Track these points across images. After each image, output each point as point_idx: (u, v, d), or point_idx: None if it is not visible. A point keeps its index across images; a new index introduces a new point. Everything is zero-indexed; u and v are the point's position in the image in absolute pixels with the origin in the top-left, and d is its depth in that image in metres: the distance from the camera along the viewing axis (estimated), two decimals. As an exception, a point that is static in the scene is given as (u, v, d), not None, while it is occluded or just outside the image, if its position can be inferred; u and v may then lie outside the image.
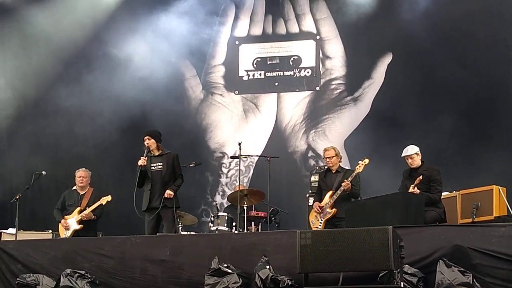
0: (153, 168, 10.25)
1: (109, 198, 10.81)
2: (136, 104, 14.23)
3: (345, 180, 9.98)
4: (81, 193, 11.09)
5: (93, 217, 10.84)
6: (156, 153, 10.34)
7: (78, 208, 10.89)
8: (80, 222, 10.82)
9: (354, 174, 10.05)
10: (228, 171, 14.48)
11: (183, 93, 14.85)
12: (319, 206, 10.20)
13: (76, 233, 10.76)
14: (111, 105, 14.18)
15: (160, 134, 10.49)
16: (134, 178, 10.34)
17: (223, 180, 14.51)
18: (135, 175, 10.34)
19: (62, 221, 10.90)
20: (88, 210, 10.78)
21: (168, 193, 10.06)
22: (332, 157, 10.35)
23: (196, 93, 14.86)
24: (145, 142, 10.31)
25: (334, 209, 10.06)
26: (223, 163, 14.55)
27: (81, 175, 11.16)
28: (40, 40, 14.18)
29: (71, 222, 10.83)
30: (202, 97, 14.83)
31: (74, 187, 11.20)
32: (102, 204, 10.82)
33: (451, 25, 13.16)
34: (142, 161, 10.14)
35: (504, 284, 7.53)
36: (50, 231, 11.94)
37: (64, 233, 10.88)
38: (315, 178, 11.36)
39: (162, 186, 10.16)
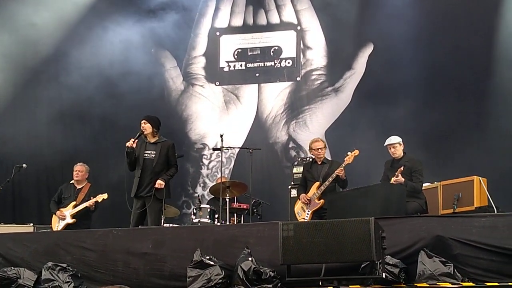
0: (146, 155, 10.00)
1: (105, 196, 10.70)
2: (116, 95, 14.21)
3: (339, 167, 9.98)
4: (78, 187, 11.04)
5: (92, 207, 10.80)
6: (152, 140, 10.08)
7: (74, 202, 10.85)
8: (73, 216, 10.78)
9: (344, 165, 10.05)
10: (209, 163, 14.47)
11: (163, 84, 14.82)
12: (306, 197, 10.22)
13: (67, 226, 10.70)
14: (91, 96, 14.18)
15: (159, 121, 10.22)
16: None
17: (204, 171, 14.50)
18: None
19: (58, 211, 10.86)
20: (83, 206, 10.74)
21: (159, 183, 9.84)
22: (322, 148, 10.37)
23: (177, 84, 14.83)
24: (141, 126, 10.07)
25: (322, 200, 10.07)
26: (204, 154, 14.53)
27: (77, 169, 11.11)
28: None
29: (66, 215, 10.81)
30: (183, 88, 14.80)
31: (72, 181, 11.15)
32: (97, 201, 10.74)
33: (433, 15, 13.24)
34: (129, 143, 9.91)
35: (485, 274, 7.58)
36: (31, 224, 11.90)
37: (56, 225, 10.84)
38: (297, 169, 11.36)
39: (152, 175, 9.93)
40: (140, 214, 9.94)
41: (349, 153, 10.10)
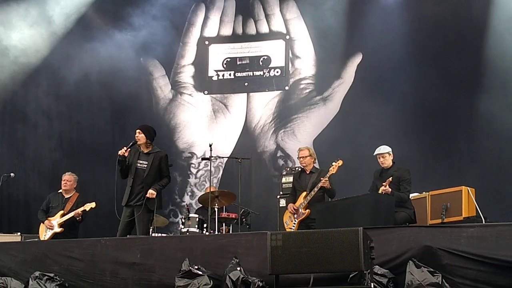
0: (138, 164, 9.93)
1: (93, 205, 10.66)
2: (103, 104, 14.23)
3: (321, 178, 10.00)
4: (66, 196, 10.99)
5: (79, 217, 10.73)
6: (145, 150, 10.00)
7: (61, 212, 10.79)
8: (61, 225, 10.73)
9: (328, 175, 10.06)
10: (197, 172, 14.44)
11: (151, 93, 14.79)
12: (293, 207, 10.22)
13: (55, 236, 10.65)
14: (79, 104, 14.19)
15: (155, 132, 10.17)
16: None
17: (192, 180, 14.46)
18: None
19: (46, 221, 10.81)
20: (70, 215, 10.69)
21: (151, 192, 9.74)
22: (306, 157, 10.37)
23: (165, 92, 14.80)
24: (135, 135, 10.00)
25: (307, 210, 10.08)
26: (192, 163, 14.50)
27: (66, 178, 11.07)
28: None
29: (54, 224, 10.76)
30: (171, 97, 14.78)
31: (60, 190, 11.10)
32: (85, 210, 10.69)
33: (422, 24, 13.25)
34: (121, 151, 9.85)
35: (473, 284, 7.59)
36: (19, 233, 11.84)
37: (44, 234, 10.79)
38: (286, 179, 11.37)
39: (143, 185, 9.84)
40: (128, 223, 9.89)
41: (333, 163, 10.13)
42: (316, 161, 10.82)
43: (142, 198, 9.80)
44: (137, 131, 10.04)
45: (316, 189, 10.02)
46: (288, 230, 10.07)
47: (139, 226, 9.81)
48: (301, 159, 10.41)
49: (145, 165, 9.94)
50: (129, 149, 9.96)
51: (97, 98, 14.31)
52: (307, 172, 10.40)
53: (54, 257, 9.06)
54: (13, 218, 13.83)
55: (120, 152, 9.89)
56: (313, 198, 10.05)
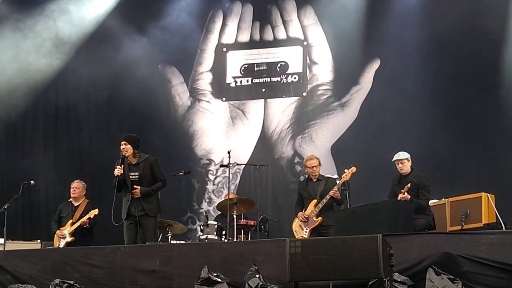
0: (131, 177, 9.65)
1: (96, 211, 10.67)
2: (122, 111, 14.30)
3: (334, 187, 10.00)
4: (75, 204, 11.03)
5: (86, 225, 10.76)
6: (133, 161, 9.70)
7: (71, 221, 10.84)
8: (72, 234, 10.77)
9: (340, 182, 10.06)
10: (215, 178, 14.44)
11: (170, 100, 14.83)
12: (304, 216, 10.22)
13: (68, 245, 10.69)
14: (97, 111, 14.30)
15: (139, 140, 9.82)
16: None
17: (210, 187, 14.47)
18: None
19: (58, 231, 10.87)
20: (76, 225, 10.73)
21: (136, 191, 9.55)
22: (317, 166, 10.38)
23: (183, 100, 14.84)
24: (121, 147, 9.66)
25: (319, 218, 10.09)
26: (210, 170, 14.51)
27: (74, 186, 11.10)
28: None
29: (65, 233, 10.80)
30: (189, 104, 14.81)
31: (70, 199, 11.14)
32: (90, 217, 10.71)
33: (440, 32, 13.20)
34: (117, 171, 9.56)
35: (493, 291, 7.56)
36: (39, 241, 11.89)
37: (58, 245, 10.85)
38: (305, 186, 11.37)
39: (140, 196, 9.65)
40: (134, 232, 9.69)
41: (346, 170, 10.12)
42: (329, 166, 10.78)
43: (143, 208, 9.66)
44: (123, 143, 9.67)
45: (328, 197, 10.03)
46: (299, 238, 10.05)
47: (146, 235, 9.70)
48: (314, 168, 10.36)
49: (137, 176, 9.67)
50: (122, 165, 9.66)
51: (114, 106, 14.41)
52: (314, 180, 10.40)
53: (74, 265, 9.08)
54: (34, 226, 13.92)
55: (117, 173, 9.59)
56: (323, 206, 10.06)
